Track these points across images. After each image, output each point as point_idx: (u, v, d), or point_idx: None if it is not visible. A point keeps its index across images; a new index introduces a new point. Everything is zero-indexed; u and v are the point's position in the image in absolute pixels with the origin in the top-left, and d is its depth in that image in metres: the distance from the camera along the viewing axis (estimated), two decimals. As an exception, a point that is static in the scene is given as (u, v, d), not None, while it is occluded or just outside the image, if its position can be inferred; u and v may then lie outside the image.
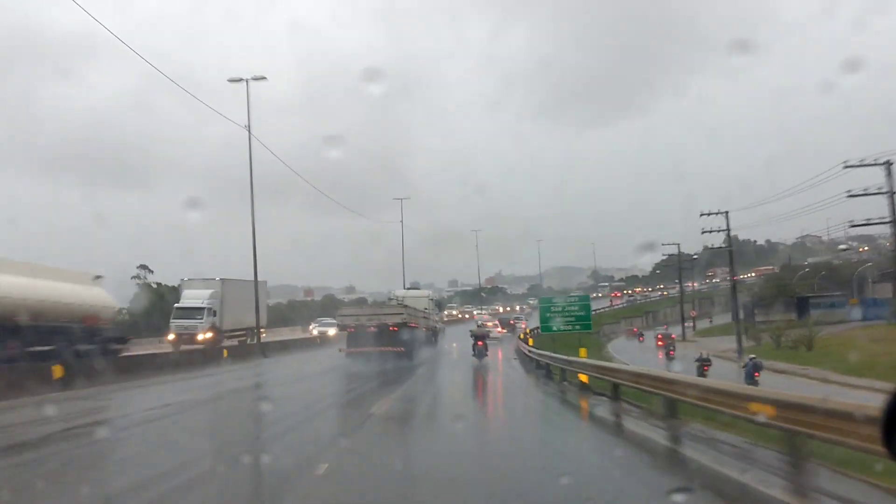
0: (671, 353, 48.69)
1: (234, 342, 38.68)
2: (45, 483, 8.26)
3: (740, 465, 7.98)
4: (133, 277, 58.54)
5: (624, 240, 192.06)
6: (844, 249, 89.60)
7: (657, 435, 10.57)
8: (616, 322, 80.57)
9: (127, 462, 9.66)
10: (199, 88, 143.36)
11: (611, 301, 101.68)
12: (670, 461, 9.11)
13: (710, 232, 48.23)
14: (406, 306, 32.30)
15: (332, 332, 49.08)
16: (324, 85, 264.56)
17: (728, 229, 48.44)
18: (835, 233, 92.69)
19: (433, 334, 40.71)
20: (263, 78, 37.61)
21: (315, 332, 52.79)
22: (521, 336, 41.13)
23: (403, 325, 29.80)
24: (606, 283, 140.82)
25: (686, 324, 71.37)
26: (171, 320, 36.72)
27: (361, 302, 65.22)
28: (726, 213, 47.14)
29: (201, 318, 36.37)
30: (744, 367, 29.07)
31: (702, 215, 47.51)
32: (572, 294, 48.44)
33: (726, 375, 30.54)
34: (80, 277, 25.75)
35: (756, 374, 26.25)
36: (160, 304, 45.82)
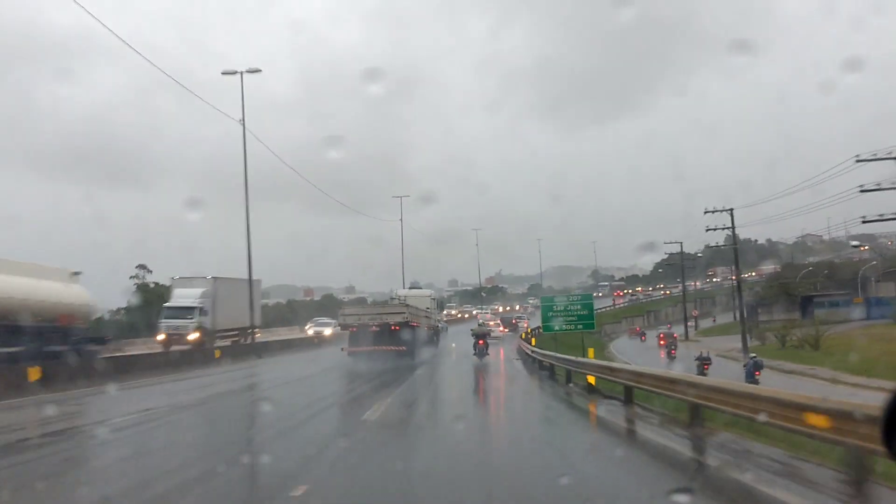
0: (672, 352, 48.27)
1: (228, 342, 37.64)
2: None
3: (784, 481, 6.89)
4: (131, 277, 57.83)
5: (624, 239, 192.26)
6: (856, 246, 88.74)
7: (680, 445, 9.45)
8: (617, 321, 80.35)
9: (82, 479, 8.51)
10: (199, 89, 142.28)
11: (614, 300, 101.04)
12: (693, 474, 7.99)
13: (715, 230, 47.51)
14: (408, 306, 32.35)
15: (328, 332, 48.26)
16: (323, 85, 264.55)
17: (733, 227, 47.73)
18: (836, 232, 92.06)
19: (435, 334, 40.84)
20: (258, 70, 37.52)
21: (311, 332, 51.78)
22: (523, 336, 40.26)
23: (405, 324, 29.85)
24: (607, 283, 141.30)
25: (688, 323, 70.88)
26: (161, 320, 35.61)
27: (361, 301, 65.10)
28: (731, 210, 46.40)
29: (192, 318, 35.20)
30: (745, 366, 29.16)
31: (706, 213, 46.88)
32: (574, 293, 47.72)
33: (727, 375, 29.76)
34: (55, 274, 24.26)
35: (756, 372, 26.49)
36: (157, 303, 44.82)
